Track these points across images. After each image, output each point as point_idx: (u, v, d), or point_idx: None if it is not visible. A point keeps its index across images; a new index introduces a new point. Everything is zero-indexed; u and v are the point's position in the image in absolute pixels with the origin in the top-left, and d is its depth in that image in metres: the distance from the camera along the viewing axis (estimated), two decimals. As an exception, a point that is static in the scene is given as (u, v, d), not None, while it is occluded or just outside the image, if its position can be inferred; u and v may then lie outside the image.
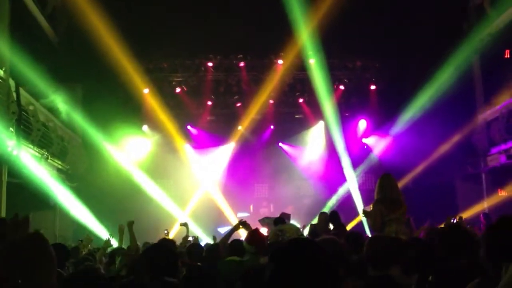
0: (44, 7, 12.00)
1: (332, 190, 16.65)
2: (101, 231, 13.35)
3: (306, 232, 8.92)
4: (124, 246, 6.16)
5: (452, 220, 7.50)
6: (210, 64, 16.10)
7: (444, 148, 13.36)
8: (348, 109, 16.98)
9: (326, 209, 15.94)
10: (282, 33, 13.61)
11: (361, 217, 14.89)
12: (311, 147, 17.67)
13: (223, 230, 15.33)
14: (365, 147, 17.14)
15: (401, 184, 6.88)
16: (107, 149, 14.58)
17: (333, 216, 7.69)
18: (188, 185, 16.48)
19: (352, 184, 16.53)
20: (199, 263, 5.43)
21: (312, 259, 1.76)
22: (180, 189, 16.34)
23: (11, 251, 1.80)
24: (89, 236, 8.21)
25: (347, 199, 16.05)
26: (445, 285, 3.12)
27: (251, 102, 16.17)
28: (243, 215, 15.28)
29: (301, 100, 16.92)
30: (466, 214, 11.43)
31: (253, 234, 5.38)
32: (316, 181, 16.82)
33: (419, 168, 14.04)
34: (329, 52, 14.53)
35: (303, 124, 17.67)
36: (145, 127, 16.54)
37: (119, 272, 4.97)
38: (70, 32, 13.03)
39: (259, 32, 13.51)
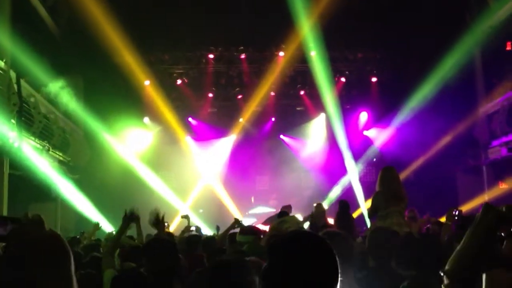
0: (45, -2, 11.98)
1: (333, 182, 16.68)
2: (103, 223, 13.40)
3: (306, 225, 8.95)
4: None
5: (454, 212, 7.51)
6: (211, 56, 16.07)
7: (445, 140, 13.36)
8: (349, 101, 16.97)
9: (328, 201, 16.04)
10: (283, 25, 13.57)
11: (362, 210, 14.97)
12: (312, 139, 17.69)
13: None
14: (366, 139, 17.16)
15: (402, 176, 6.91)
16: (108, 141, 14.60)
17: (342, 206, 7.69)
18: (189, 177, 16.52)
19: (353, 176, 16.56)
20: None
21: (312, 252, 1.74)
22: (181, 181, 16.38)
23: (32, 252, 1.79)
24: (97, 225, 8.17)
25: (348, 191, 16.08)
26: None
27: (252, 94, 16.16)
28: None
29: (302, 92, 16.91)
30: (466, 207, 11.46)
31: (245, 227, 5.51)
32: (317, 173, 16.84)
33: (420, 161, 14.06)
34: (330, 44, 14.49)
35: (304, 116, 17.68)
36: (146, 119, 16.55)
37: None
38: (71, 24, 13.01)
39: (260, 24, 13.46)
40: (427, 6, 13.00)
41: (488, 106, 13.06)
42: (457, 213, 6.50)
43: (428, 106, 13.46)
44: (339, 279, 1.71)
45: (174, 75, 16.34)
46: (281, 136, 17.73)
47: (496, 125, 12.56)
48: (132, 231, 6.06)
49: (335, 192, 16.54)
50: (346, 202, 7.88)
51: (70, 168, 13.35)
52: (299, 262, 1.69)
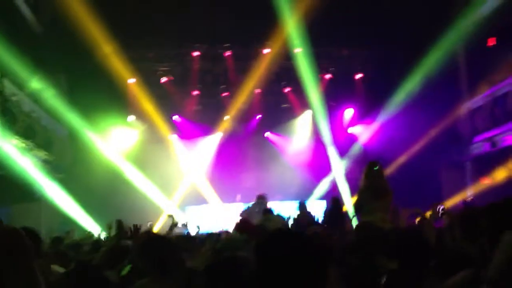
0: (27, -4, 11.84)
1: (319, 179, 16.76)
2: (88, 223, 13.32)
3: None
4: None
5: (438, 208, 7.58)
6: (196, 53, 15.99)
7: (429, 136, 13.46)
8: (334, 98, 17.01)
9: (313, 199, 16.13)
10: (268, 22, 13.57)
11: (346, 207, 15.05)
12: (297, 136, 17.74)
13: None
14: (351, 136, 17.24)
15: (385, 172, 6.93)
16: (93, 140, 14.49)
17: (333, 203, 7.73)
18: (175, 176, 16.46)
19: (338, 173, 16.65)
20: None
21: (296, 250, 1.75)
22: (166, 179, 16.31)
23: None
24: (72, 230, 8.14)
25: (334, 188, 16.16)
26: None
27: (238, 92, 16.13)
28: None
29: (287, 90, 16.93)
30: (449, 202, 11.57)
31: (242, 223, 5.46)
32: (303, 170, 16.89)
33: (404, 157, 14.15)
34: (315, 41, 14.51)
35: (290, 114, 17.72)
36: (131, 117, 16.44)
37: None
38: (54, 22, 12.84)
39: (245, 21, 13.45)
40: (411, 2, 13.07)
41: (471, 101, 13.18)
42: (441, 208, 6.56)
43: (412, 102, 13.56)
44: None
45: (159, 72, 16.25)
46: (267, 134, 17.75)
47: (479, 121, 12.69)
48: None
49: (321, 189, 16.62)
50: (337, 199, 7.95)
51: (54, 167, 13.22)
52: (286, 261, 1.70)
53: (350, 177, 16.69)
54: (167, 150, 16.56)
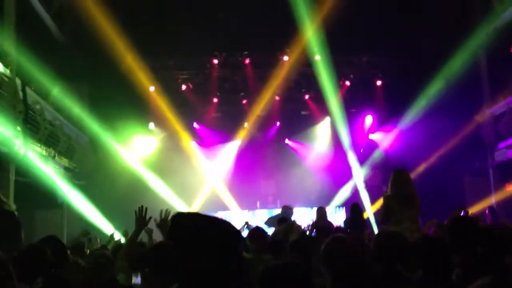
0: (50, 6, 12.03)
1: (339, 186, 16.66)
2: (109, 229, 13.41)
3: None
4: None
5: (461, 214, 7.45)
6: (215, 61, 16.07)
7: (451, 143, 13.29)
8: (354, 105, 16.93)
9: (333, 205, 16.03)
10: (288, 29, 13.59)
11: (367, 214, 14.93)
12: (317, 143, 17.67)
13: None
14: (371, 142, 17.12)
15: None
16: (114, 147, 14.62)
17: (353, 209, 7.64)
18: (195, 182, 16.50)
19: (358, 180, 16.53)
20: None
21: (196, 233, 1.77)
22: (186, 186, 16.37)
23: None
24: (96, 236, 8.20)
25: (354, 195, 16.04)
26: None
27: (257, 99, 16.16)
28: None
29: (307, 97, 16.91)
30: (473, 209, 11.38)
31: (255, 231, 5.44)
32: (323, 177, 16.80)
33: (426, 164, 13.99)
34: (335, 48, 14.47)
35: (309, 121, 17.67)
36: (151, 125, 16.58)
37: None
38: (76, 31, 13.04)
39: (264, 28, 13.48)
40: (431, 9, 12.97)
41: (494, 108, 13.00)
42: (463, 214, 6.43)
43: (434, 109, 13.43)
44: None
45: (179, 80, 16.36)
46: (286, 141, 17.72)
47: (503, 127, 12.50)
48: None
49: (341, 195, 16.51)
50: (358, 206, 7.85)
51: (75, 175, 13.37)
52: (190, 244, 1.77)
53: (371, 184, 16.56)
54: (187, 157, 16.62)
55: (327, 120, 17.29)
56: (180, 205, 15.65)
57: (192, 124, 16.98)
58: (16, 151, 9.20)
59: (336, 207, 16.31)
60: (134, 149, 15.83)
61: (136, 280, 4.37)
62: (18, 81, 9.52)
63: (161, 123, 16.28)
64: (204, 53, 15.94)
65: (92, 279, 4.34)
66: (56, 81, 11.61)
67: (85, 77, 14.03)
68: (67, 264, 4.33)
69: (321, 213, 8.16)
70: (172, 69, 16.22)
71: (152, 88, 15.70)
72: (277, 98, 16.66)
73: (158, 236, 5.76)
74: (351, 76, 16.58)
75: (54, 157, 11.56)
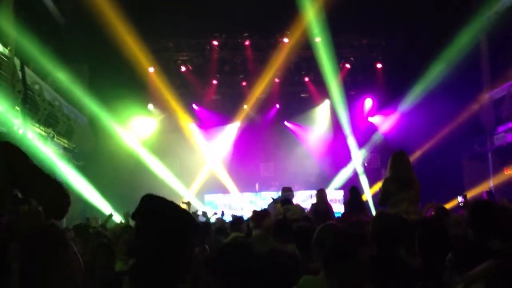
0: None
1: (338, 169, 16.69)
2: (108, 209, 13.47)
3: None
4: None
5: (461, 199, 7.47)
6: (215, 43, 15.99)
7: (451, 127, 13.29)
8: (354, 88, 16.89)
9: (331, 188, 16.08)
10: (288, 11, 13.47)
11: (366, 197, 14.99)
12: (317, 125, 17.67)
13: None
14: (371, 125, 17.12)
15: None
16: (113, 128, 14.61)
17: (353, 192, 7.67)
18: (194, 164, 16.55)
19: (357, 162, 16.56)
20: None
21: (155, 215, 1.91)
22: (185, 168, 16.42)
23: (29, 246, 1.80)
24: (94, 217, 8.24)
25: (353, 178, 16.08)
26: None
27: (257, 81, 16.12)
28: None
29: (306, 79, 16.85)
30: (471, 193, 11.43)
31: (259, 214, 5.47)
32: (322, 159, 16.84)
33: (425, 147, 14.01)
34: (335, 30, 14.37)
35: (309, 103, 17.64)
36: (150, 106, 16.56)
37: None
38: (75, 12, 12.94)
39: (264, 10, 13.37)
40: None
41: (494, 92, 12.98)
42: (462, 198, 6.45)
43: (433, 92, 13.39)
44: None
45: (178, 62, 16.29)
46: (286, 123, 17.71)
47: (502, 111, 12.49)
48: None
49: (340, 178, 16.56)
50: (356, 188, 7.87)
51: (75, 155, 13.38)
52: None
53: (369, 167, 16.59)
54: (186, 139, 16.64)
55: (326, 102, 17.26)
56: (178, 187, 15.69)
57: (192, 106, 16.95)
58: (15, 131, 9.19)
59: (335, 189, 16.36)
60: (133, 130, 15.82)
61: None
62: (17, 61, 9.48)
63: (160, 104, 16.26)
64: (204, 34, 15.85)
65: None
66: (55, 61, 11.54)
67: (85, 58, 13.98)
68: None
69: (321, 195, 8.16)
70: (172, 50, 16.14)
71: (151, 69, 15.63)
72: (276, 80, 16.60)
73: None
74: (351, 58, 16.51)
75: (53, 137, 11.56)
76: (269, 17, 13.93)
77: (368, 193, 15.45)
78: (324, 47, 14.94)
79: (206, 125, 17.23)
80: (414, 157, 13.75)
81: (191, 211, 7.97)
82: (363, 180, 16.12)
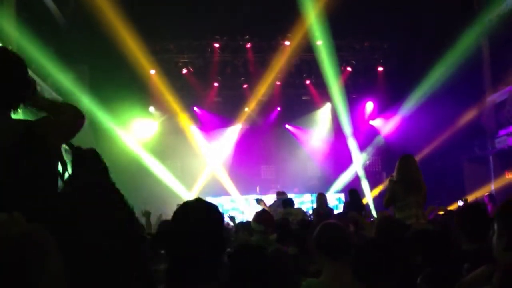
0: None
1: (339, 172, 16.66)
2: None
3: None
4: None
5: (461, 201, 7.46)
6: (216, 45, 15.98)
7: (452, 130, 13.27)
8: (355, 91, 16.90)
9: (332, 191, 16.06)
10: (289, 14, 13.48)
11: (366, 200, 14.97)
12: (318, 128, 17.65)
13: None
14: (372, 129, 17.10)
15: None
16: (113, 130, 14.59)
17: (351, 193, 7.67)
18: (195, 167, 16.52)
19: (358, 166, 16.54)
20: None
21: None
22: (186, 170, 16.39)
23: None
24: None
25: (354, 181, 16.05)
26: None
27: (258, 84, 16.11)
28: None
29: (308, 82, 16.85)
30: (472, 197, 11.40)
31: (261, 213, 5.44)
32: (323, 162, 16.82)
33: (426, 150, 13.97)
34: (337, 33, 14.38)
35: (310, 106, 17.64)
36: (151, 108, 16.54)
37: None
38: (77, 14, 12.95)
39: (266, 13, 13.37)
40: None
41: (496, 95, 12.96)
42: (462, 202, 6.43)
43: (435, 96, 13.37)
44: None
45: (180, 64, 16.27)
46: (287, 126, 17.69)
47: (504, 115, 12.47)
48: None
49: (341, 181, 16.53)
50: (355, 191, 7.87)
51: (75, 157, 13.34)
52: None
53: (370, 170, 16.57)
54: (187, 141, 16.62)
55: (327, 105, 17.25)
56: (179, 189, 15.67)
57: (193, 108, 16.93)
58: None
59: (335, 192, 16.33)
60: (134, 132, 15.80)
61: None
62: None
63: (161, 106, 16.24)
64: (205, 37, 15.84)
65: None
66: (56, 63, 11.53)
67: (86, 59, 13.96)
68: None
69: (321, 199, 8.17)
70: (173, 52, 16.13)
71: (152, 71, 15.62)
72: (278, 83, 16.60)
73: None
74: (353, 61, 16.51)
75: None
76: (271, 20, 13.92)
77: (368, 196, 15.43)
78: (326, 50, 14.94)
79: (207, 127, 17.22)
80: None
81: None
82: (364, 183, 16.09)
